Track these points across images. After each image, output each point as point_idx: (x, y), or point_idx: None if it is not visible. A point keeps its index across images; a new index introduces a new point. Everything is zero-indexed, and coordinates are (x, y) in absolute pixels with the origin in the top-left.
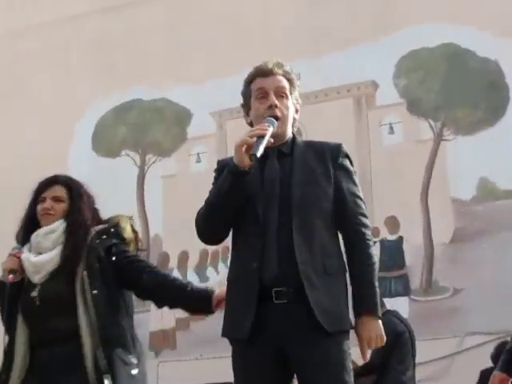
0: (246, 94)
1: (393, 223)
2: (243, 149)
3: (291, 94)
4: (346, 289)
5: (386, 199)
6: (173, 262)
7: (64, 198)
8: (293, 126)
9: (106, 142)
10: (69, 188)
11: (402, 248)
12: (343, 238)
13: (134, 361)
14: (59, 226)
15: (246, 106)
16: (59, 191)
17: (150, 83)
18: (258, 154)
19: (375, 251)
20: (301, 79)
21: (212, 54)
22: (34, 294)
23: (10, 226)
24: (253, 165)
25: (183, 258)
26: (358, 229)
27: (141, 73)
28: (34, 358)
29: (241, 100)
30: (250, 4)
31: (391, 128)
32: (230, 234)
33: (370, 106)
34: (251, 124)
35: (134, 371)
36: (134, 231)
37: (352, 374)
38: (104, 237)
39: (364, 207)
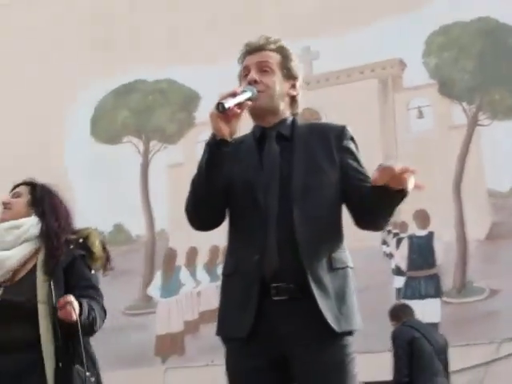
0: (239, 75)
1: (422, 217)
2: (217, 115)
3: (283, 68)
4: (352, 285)
5: (414, 191)
6: (180, 259)
7: (22, 194)
8: (293, 107)
9: (105, 127)
10: (32, 186)
11: (432, 245)
12: (353, 209)
13: (92, 379)
14: (25, 222)
15: (240, 84)
16: (19, 189)
17: (154, 62)
18: (226, 105)
19: None
20: (320, 58)
21: (223, 30)
22: None
23: None
24: (231, 131)
25: (192, 254)
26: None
27: (143, 51)
28: None
29: None
30: None
31: (420, 112)
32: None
33: (397, 87)
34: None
35: None
36: (105, 249)
37: (356, 379)
38: (71, 247)
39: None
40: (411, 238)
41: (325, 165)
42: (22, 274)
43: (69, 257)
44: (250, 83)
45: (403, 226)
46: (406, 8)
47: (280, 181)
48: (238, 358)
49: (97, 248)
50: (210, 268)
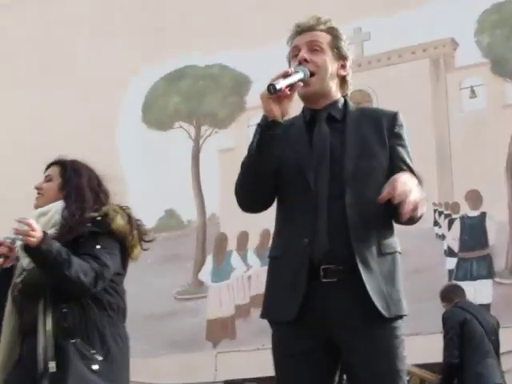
0: (288, 56)
1: (475, 198)
2: (268, 96)
3: (333, 48)
4: (400, 270)
5: (467, 172)
6: (231, 244)
7: (53, 177)
8: (343, 88)
9: (157, 114)
10: (63, 167)
11: (484, 225)
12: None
13: (98, 357)
14: (51, 208)
15: (289, 65)
16: (51, 171)
17: (204, 47)
18: (278, 86)
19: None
20: (371, 39)
21: (273, 13)
22: (19, 280)
23: None
24: (283, 112)
25: (243, 239)
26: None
27: (193, 36)
28: (22, 348)
29: None
30: None
31: (473, 92)
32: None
33: (449, 67)
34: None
35: (95, 366)
36: (130, 222)
37: (405, 362)
38: (89, 225)
39: (419, 181)
40: (463, 218)
41: (376, 148)
42: None
43: (80, 233)
44: (300, 62)
45: (455, 206)
46: None
47: (331, 164)
48: (285, 342)
49: (117, 223)
50: (260, 252)
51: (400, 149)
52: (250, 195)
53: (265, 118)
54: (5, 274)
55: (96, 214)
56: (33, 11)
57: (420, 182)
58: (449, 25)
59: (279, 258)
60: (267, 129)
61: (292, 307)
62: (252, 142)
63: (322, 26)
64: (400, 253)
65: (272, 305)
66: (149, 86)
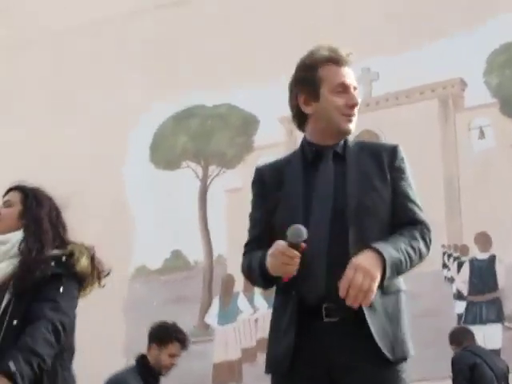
0: (313, 79)
1: (484, 240)
2: (282, 269)
3: None
4: (406, 309)
5: (476, 213)
6: (238, 286)
7: (13, 203)
8: None
9: (165, 153)
10: (25, 193)
11: (494, 268)
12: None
13: None
14: (11, 238)
15: (314, 93)
16: (11, 196)
17: (213, 87)
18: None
19: (426, 253)
20: (379, 79)
21: (280, 53)
22: None
23: None
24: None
25: None
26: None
27: (202, 76)
28: None
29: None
30: None
31: (482, 132)
32: None
33: (458, 107)
34: (310, 114)
35: None
36: (93, 265)
37: None
38: (52, 265)
39: (422, 215)
40: (472, 261)
41: (378, 183)
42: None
43: (42, 274)
44: (352, 107)
45: (464, 249)
46: (465, 26)
47: (334, 201)
48: None
49: (81, 265)
50: (267, 294)
51: (402, 183)
52: (262, 287)
53: (267, 273)
54: None
55: (59, 253)
56: (44, 49)
57: (420, 222)
58: (457, 65)
59: (277, 309)
60: (268, 282)
61: (285, 357)
62: (253, 270)
63: (351, 61)
64: (405, 291)
65: (269, 356)
66: (157, 125)
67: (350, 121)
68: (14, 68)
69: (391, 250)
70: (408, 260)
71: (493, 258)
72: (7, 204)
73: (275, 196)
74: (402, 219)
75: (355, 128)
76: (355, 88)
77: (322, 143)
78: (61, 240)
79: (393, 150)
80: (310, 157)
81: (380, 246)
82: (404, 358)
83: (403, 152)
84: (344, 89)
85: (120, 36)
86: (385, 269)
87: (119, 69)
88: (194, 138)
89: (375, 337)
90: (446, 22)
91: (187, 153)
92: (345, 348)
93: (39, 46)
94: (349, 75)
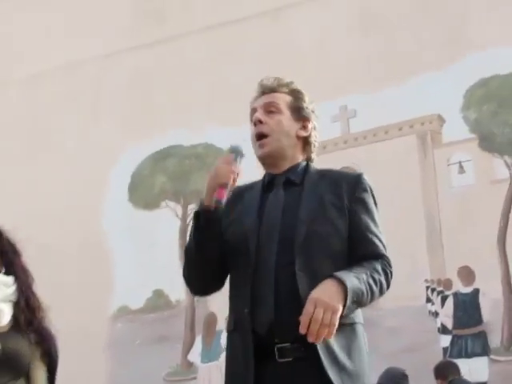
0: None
1: (467, 274)
2: (218, 176)
3: (293, 109)
4: (362, 341)
5: (458, 247)
6: (221, 324)
7: None
8: (306, 151)
9: (143, 193)
10: None
11: (478, 302)
12: None
13: None
14: (12, 281)
15: None
16: None
17: (190, 127)
18: (223, 202)
19: (386, 287)
20: (356, 116)
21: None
22: None
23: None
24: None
25: None
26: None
27: (179, 115)
28: None
29: None
30: (298, 37)
31: (461, 167)
32: None
33: (436, 143)
34: None
35: None
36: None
37: None
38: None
39: (383, 248)
40: (456, 295)
41: (333, 213)
42: None
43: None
44: (255, 124)
45: (447, 283)
46: (442, 63)
47: (281, 229)
48: None
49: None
50: None
51: (363, 216)
52: (199, 279)
53: (201, 205)
54: None
55: None
56: (20, 89)
57: (381, 257)
58: (435, 101)
59: (231, 332)
60: (202, 216)
61: None
62: (191, 228)
63: (285, 88)
64: (362, 323)
65: None
66: (135, 165)
67: (260, 146)
68: None
69: (353, 278)
70: (369, 292)
71: (476, 292)
72: None
73: (228, 219)
74: (362, 251)
75: (335, 164)
76: (270, 105)
77: (271, 171)
78: None
79: (355, 180)
80: (265, 184)
81: (341, 274)
82: None
83: (368, 182)
84: (254, 112)
85: (96, 77)
86: (346, 298)
87: (95, 110)
88: (173, 177)
89: (327, 370)
90: (422, 58)
91: (166, 192)
92: None
93: (14, 86)
94: (262, 99)
